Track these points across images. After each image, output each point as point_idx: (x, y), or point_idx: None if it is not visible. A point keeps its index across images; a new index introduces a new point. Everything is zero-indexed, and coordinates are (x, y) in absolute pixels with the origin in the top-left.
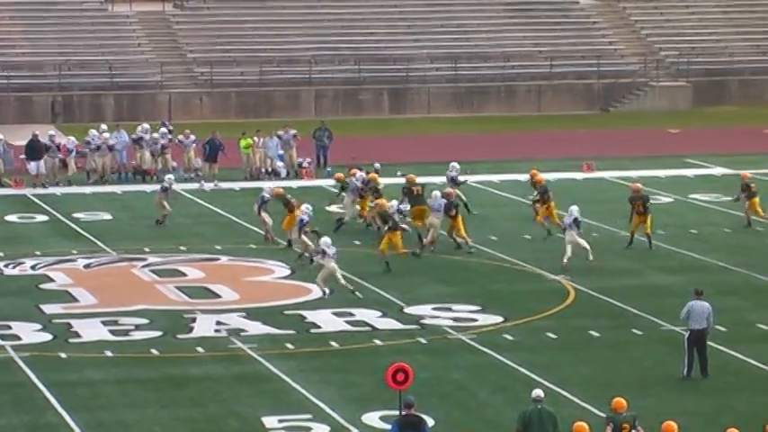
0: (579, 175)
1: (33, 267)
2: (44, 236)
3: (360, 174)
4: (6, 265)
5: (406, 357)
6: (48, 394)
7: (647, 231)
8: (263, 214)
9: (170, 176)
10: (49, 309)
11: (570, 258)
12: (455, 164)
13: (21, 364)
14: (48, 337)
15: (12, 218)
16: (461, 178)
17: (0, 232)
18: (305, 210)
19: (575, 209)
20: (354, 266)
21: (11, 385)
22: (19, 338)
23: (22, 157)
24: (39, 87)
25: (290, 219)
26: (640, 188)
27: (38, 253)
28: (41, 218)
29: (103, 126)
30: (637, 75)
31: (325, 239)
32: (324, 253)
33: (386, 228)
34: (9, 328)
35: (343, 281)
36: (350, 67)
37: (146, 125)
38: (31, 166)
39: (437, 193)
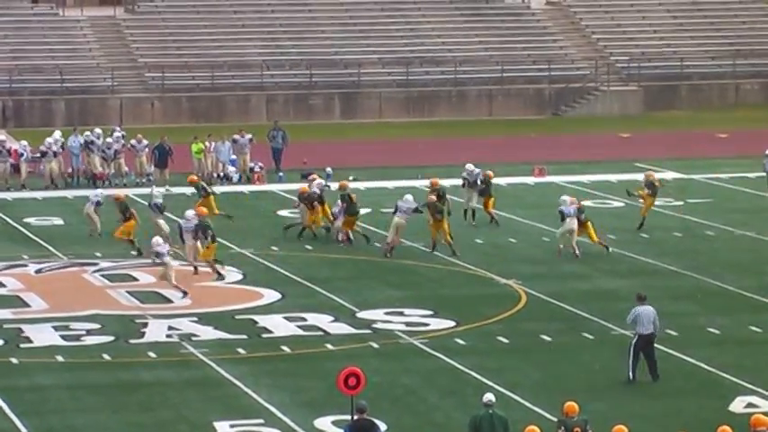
0: (531, 180)
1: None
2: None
3: (319, 181)
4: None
5: (359, 362)
6: None
7: (594, 240)
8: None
9: (100, 191)
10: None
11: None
12: (469, 165)
13: None
14: None
15: None
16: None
17: None
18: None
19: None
20: (306, 270)
21: None
22: None
23: None
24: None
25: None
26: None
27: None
28: None
29: (57, 132)
30: (587, 79)
31: (156, 239)
32: (159, 254)
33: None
34: None
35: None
36: (301, 72)
37: (97, 130)
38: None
39: (409, 196)
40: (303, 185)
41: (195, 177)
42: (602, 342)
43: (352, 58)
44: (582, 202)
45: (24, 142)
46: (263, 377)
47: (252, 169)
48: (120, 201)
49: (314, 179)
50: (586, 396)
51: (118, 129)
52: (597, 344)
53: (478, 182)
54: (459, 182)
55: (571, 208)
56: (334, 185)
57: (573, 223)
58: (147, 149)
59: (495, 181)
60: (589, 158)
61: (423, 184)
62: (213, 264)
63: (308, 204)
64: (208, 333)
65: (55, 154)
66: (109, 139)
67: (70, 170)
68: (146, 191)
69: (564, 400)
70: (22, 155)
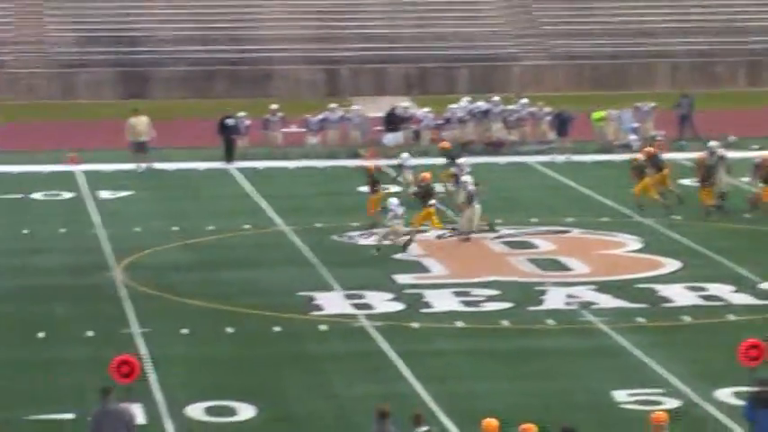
0: None
1: (440, 237)
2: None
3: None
4: (361, 235)
5: (759, 334)
6: (400, 364)
7: None
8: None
9: (405, 155)
10: (401, 279)
11: None
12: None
13: (374, 333)
14: (400, 306)
15: (364, 188)
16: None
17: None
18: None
19: None
20: (708, 240)
21: (364, 354)
22: (372, 308)
23: (379, 128)
24: (394, 59)
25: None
26: None
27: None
28: (396, 189)
29: (463, 99)
30: None
31: (392, 200)
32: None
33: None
34: (362, 297)
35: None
36: (705, 39)
37: (495, 97)
38: (388, 137)
39: None
40: (701, 154)
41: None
42: None
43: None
44: None
45: (427, 109)
46: (662, 347)
47: (654, 138)
48: (371, 172)
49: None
50: None
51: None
52: None
53: None
54: None
55: None
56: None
57: None
58: (548, 117)
59: None
60: None
61: None
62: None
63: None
64: (607, 301)
65: (459, 121)
66: (513, 107)
67: (473, 138)
68: (545, 159)
69: None
70: (421, 121)
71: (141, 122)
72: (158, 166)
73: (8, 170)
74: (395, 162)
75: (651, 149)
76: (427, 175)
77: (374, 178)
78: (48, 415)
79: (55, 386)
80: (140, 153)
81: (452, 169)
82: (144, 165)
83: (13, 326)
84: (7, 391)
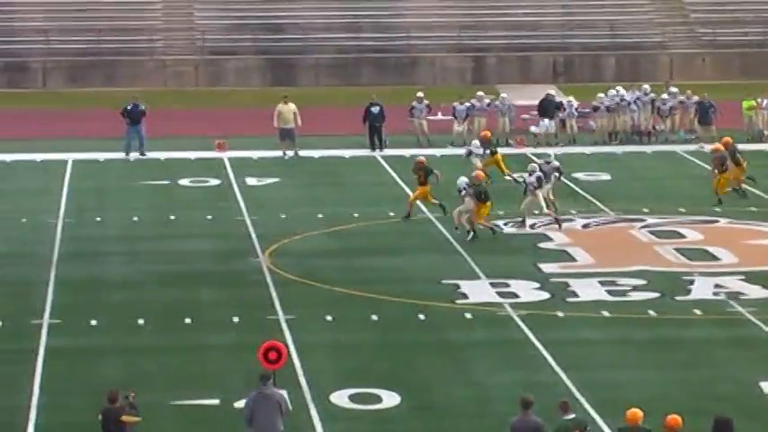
0: None
1: (532, 226)
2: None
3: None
4: (506, 224)
5: None
6: (544, 353)
7: None
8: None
9: (475, 141)
10: (547, 267)
11: None
12: None
13: (518, 321)
14: (545, 295)
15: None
16: None
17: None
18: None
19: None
20: None
21: (508, 343)
22: (517, 296)
23: (525, 117)
24: (540, 47)
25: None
26: None
27: (536, 212)
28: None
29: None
30: None
31: (462, 179)
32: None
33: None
34: (507, 285)
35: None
36: None
37: (645, 86)
38: (542, 124)
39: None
40: None
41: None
42: None
43: None
44: None
45: (571, 98)
46: None
47: None
48: (422, 164)
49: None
50: None
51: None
52: None
53: None
54: None
55: None
56: None
57: None
58: (694, 106)
59: None
60: None
61: None
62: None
63: None
64: (755, 292)
65: (608, 109)
66: (665, 96)
67: (632, 124)
68: (693, 148)
69: None
70: (564, 110)
71: (289, 110)
72: (304, 153)
73: (156, 156)
74: (534, 150)
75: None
76: (481, 174)
77: (426, 170)
78: (193, 400)
79: (201, 372)
80: (287, 140)
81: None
82: (290, 152)
83: (159, 312)
84: (154, 376)
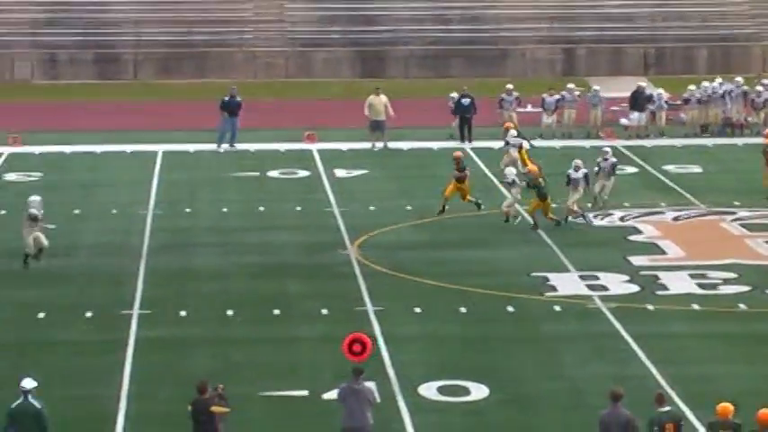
0: None
1: (622, 219)
2: (634, 187)
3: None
4: (596, 216)
5: None
6: (633, 346)
7: None
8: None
9: (511, 132)
10: (636, 260)
11: None
12: None
13: (608, 314)
14: (635, 288)
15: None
16: None
17: None
18: None
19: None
20: None
21: (597, 336)
22: (606, 289)
23: (615, 109)
24: (631, 39)
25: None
26: None
27: (627, 204)
28: (631, 170)
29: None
30: None
31: (510, 169)
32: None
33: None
34: (597, 278)
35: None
36: None
37: (738, 78)
38: (632, 116)
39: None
40: None
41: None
42: None
43: None
44: None
45: (660, 90)
46: None
47: None
48: (459, 159)
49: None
50: None
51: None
52: None
53: None
54: None
55: None
56: None
57: None
58: None
59: None
60: None
61: None
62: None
63: None
64: None
65: (699, 101)
66: (759, 88)
67: (724, 116)
68: None
69: None
70: (654, 102)
71: (380, 101)
72: (393, 145)
73: (246, 148)
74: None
75: None
76: (534, 167)
77: (462, 165)
78: (282, 391)
79: (289, 363)
80: (377, 132)
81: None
82: (380, 144)
83: (249, 303)
84: (244, 367)
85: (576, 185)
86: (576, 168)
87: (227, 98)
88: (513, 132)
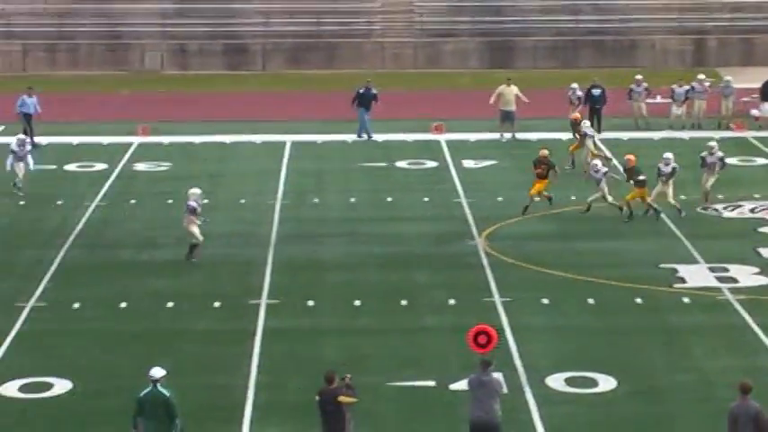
0: None
1: (752, 210)
2: (764, 179)
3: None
4: (725, 208)
5: None
6: (763, 338)
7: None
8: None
9: (585, 122)
10: (767, 252)
11: None
12: None
13: (737, 306)
14: (765, 280)
15: (732, 161)
16: None
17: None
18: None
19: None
20: None
21: (727, 328)
22: (736, 281)
23: (746, 100)
24: (763, 29)
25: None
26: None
27: (757, 196)
28: (761, 161)
29: None
30: None
31: (596, 162)
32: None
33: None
34: (726, 270)
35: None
36: None
37: None
38: (764, 107)
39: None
40: None
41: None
42: None
43: None
44: None
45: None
46: None
47: None
48: (545, 158)
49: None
50: None
51: None
52: None
53: None
54: None
55: None
56: None
57: None
58: None
59: None
60: None
61: None
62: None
63: None
64: None
65: None
66: None
67: None
68: None
69: None
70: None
71: (510, 92)
72: (521, 135)
73: (374, 138)
74: (756, 134)
75: None
76: (631, 157)
77: (549, 164)
78: (409, 382)
79: (417, 354)
80: (507, 122)
81: None
82: (508, 134)
83: (376, 293)
84: (372, 358)
85: (666, 180)
86: (667, 163)
87: (361, 90)
88: (587, 122)
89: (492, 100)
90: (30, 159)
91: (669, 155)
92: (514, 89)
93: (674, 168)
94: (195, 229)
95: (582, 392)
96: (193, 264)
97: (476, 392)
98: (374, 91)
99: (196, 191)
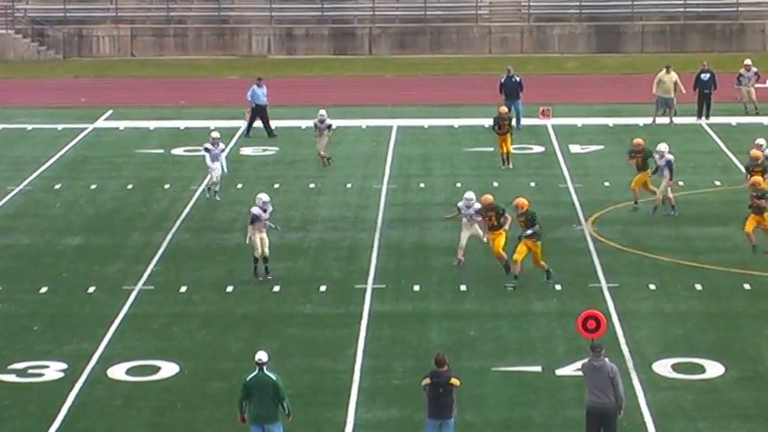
0: None
1: None
2: None
3: None
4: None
5: None
6: None
7: None
8: None
9: None
10: None
11: None
12: None
13: None
14: None
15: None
16: None
17: None
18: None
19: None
20: None
21: None
22: None
23: None
24: None
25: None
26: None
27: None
28: None
29: None
30: None
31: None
32: None
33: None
34: None
35: None
36: None
37: None
38: None
39: None
40: None
41: None
42: None
43: None
44: None
45: None
46: None
47: None
48: (640, 147)
49: None
50: None
51: None
52: None
53: None
54: None
55: None
56: None
57: None
58: None
59: None
60: None
61: None
62: None
63: None
64: None
65: None
66: None
67: None
68: None
69: None
70: None
71: (670, 78)
72: (626, 121)
73: (479, 123)
74: None
75: None
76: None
77: (646, 153)
78: (516, 367)
79: (523, 338)
80: (663, 108)
81: None
82: (663, 119)
83: (482, 278)
84: (478, 342)
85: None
86: (661, 155)
87: (502, 79)
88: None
89: (654, 89)
90: (224, 160)
91: (664, 146)
92: (674, 76)
93: (668, 161)
94: (256, 241)
95: (689, 378)
96: (297, 246)
97: (590, 378)
98: (516, 78)
99: (263, 196)
